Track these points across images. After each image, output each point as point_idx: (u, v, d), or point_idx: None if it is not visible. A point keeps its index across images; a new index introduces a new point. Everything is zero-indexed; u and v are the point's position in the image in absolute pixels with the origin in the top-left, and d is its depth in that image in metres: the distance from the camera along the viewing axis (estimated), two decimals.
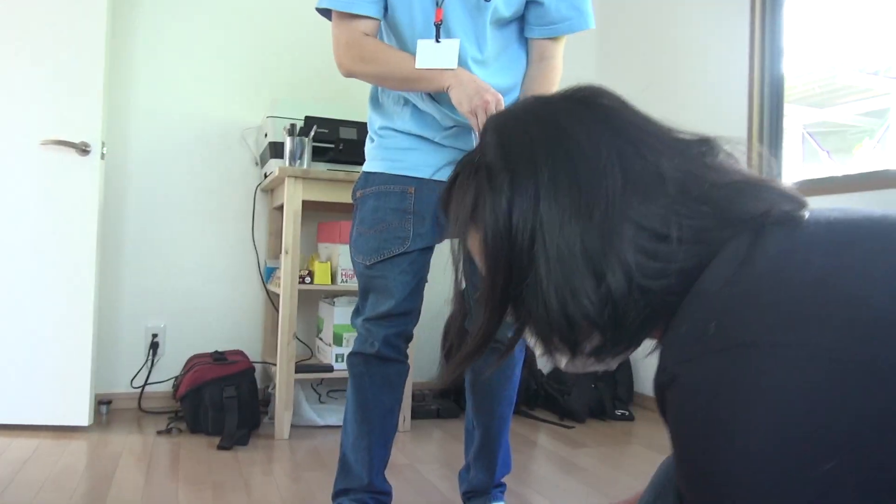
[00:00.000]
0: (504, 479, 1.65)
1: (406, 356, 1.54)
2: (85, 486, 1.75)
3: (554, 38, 1.43)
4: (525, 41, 1.45)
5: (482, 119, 1.25)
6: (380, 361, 1.48)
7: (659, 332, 0.61)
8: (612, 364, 0.66)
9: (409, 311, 1.48)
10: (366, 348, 1.48)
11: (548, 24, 1.40)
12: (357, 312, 1.51)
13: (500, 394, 1.58)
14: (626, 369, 2.96)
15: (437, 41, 1.32)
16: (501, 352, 0.71)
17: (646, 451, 2.33)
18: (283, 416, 2.30)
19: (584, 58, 3.27)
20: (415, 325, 1.53)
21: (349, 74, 1.39)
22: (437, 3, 1.32)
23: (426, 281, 1.54)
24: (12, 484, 1.73)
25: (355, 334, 1.51)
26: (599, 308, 0.57)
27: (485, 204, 0.62)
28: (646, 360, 3.05)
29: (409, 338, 1.52)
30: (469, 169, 0.66)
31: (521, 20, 1.43)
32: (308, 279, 2.39)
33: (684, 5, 2.81)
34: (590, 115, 0.63)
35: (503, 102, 1.25)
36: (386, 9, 1.37)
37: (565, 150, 0.60)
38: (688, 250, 0.57)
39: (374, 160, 1.47)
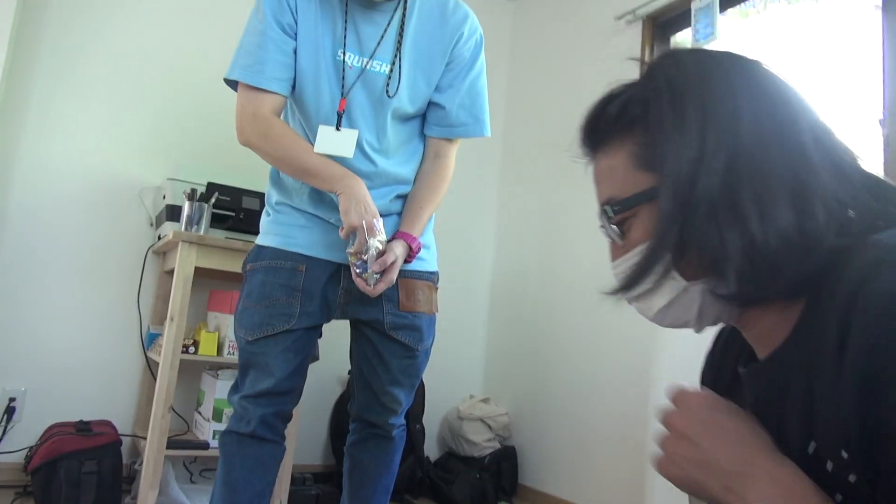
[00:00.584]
0: None
1: (283, 437, 1.49)
2: None
3: (449, 140, 1.51)
4: (424, 137, 1.53)
5: (360, 239, 1.31)
6: (254, 441, 1.43)
7: (746, 316, 0.64)
8: (702, 327, 0.68)
9: (289, 391, 1.45)
10: (241, 427, 1.43)
11: (446, 126, 1.49)
12: (235, 389, 1.47)
13: (377, 482, 1.55)
14: (511, 459, 2.97)
15: (338, 129, 1.37)
16: (734, 305, 0.64)
17: None
18: (147, 496, 2.13)
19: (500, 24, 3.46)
20: (294, 405, 1.50)
21: (246, 144, 1.41)
22: (342, 94, 1.38)
23: (314, 359, 1.52)
24: None
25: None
26: (791, 233, 0.58)
27: (680, 120, 0.61)
28: (532, 451, 3.07)
29: (287, 418, 1.49)
30: (650, 88, 0.65)
31: (423, 117, 1.51)
32: (192, 349, 2.29)
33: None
34: (772, 73, 0.65)
35: (382, 230, 1.34)
36: (294, 86, 1.41)
37: (761, 87, 0.62)
38: (848, 217, 0.59)
39: (268, 234, 1.47)
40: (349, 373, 3.00)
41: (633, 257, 0.67)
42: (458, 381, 3.34)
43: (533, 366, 3.13)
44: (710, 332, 0.75)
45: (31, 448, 2.32)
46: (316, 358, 1.68)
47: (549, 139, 3.24)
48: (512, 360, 3.28)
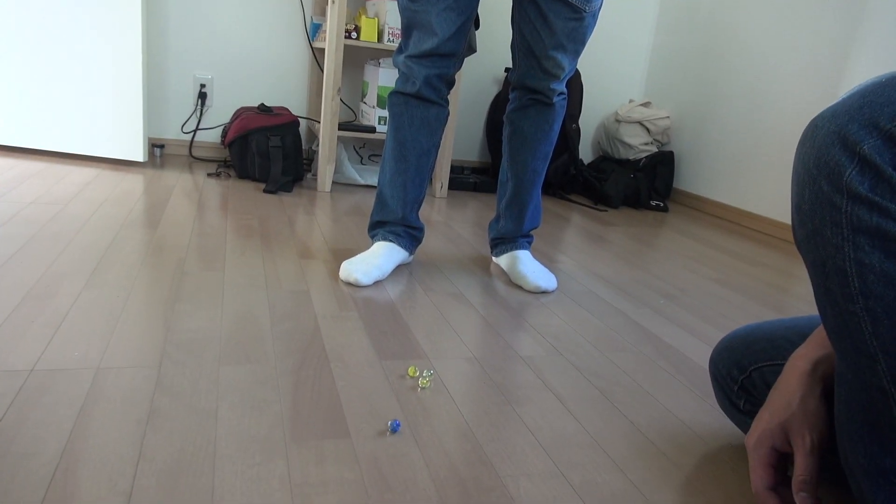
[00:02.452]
0: (532, 234, 1.71)
1: (447, 101, 1.53)
2: (143, 205, 1.89)
3: None
4: None
5: None
6: (419, 102, 1.48)
7: None
8: None
9: (451, 53, 1.45)
10: (407, 87, 1.47)
11: None
12: (399, 50, 1.49)
13: (536, 148, 1.58)
14: (668, 164, 2.93)
15: None
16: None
17: (676, 235, 2.37)
18: (325, 170, 2.38)
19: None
20: (457, 70, 1.51)
21: None
22: None
23: (471, 51, 1.48)
24: (76, 199, 1.88)
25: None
26: None
27: None
28: (690, 157, 2.99)
29: (450, 82, 1.51)
30: None
31: None
32: (354, 34, 2.33)
33: None
34: None
35: None
36: None
37: None
38: None
39: None
40: (505, 70, 2.97)
41: None
42: (618, 85, 3.20)
43: (702, 71, 2.89)
44: None
45: (224, 126, 2.60)
46: (473, 50, 1.63)
47: None
48: (679, 63, 3.04)
